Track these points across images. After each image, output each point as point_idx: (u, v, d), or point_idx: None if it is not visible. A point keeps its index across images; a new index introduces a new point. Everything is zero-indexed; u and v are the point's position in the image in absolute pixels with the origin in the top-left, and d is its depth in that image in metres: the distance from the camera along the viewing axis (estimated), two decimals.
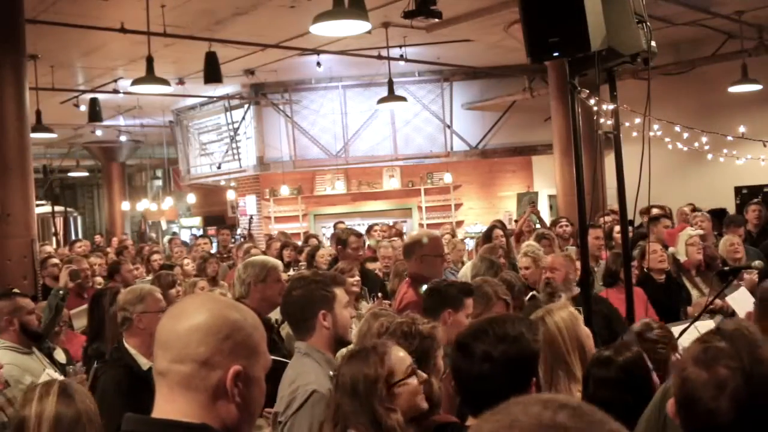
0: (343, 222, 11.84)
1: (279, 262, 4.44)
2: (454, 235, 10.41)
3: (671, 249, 6.26)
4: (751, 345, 1.57)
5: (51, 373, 3.81)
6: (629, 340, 2.95)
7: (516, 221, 12.51)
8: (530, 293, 5.29)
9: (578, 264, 4.80)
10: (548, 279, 5.04)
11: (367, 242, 9.37)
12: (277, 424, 2.80)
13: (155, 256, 9.30)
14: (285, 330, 4.80)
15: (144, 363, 3.53)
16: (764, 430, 1.52)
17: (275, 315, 4.24)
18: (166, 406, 1.50)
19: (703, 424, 1.54)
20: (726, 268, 5.31)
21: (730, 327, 1.65)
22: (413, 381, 2.42)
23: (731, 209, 10.72)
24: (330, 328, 2.94)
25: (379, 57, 10.89)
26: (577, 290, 4.90)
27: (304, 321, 2.96)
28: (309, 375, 2.80)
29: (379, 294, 5.73)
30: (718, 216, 9.24)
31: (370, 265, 6.65)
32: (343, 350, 3.40)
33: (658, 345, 3.12)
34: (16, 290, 5.10)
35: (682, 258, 6.25)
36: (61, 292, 5.14)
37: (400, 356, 2.45)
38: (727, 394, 1.50)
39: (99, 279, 7.84)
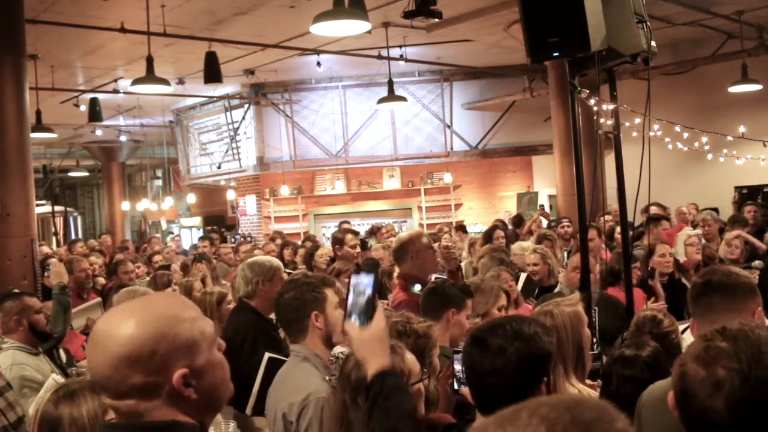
0: (348, 222, 11.81)
1: (280, 263, 4.44)
2: (451, 234, 10.43)
3: (670, 249, 6.27)
4: (753, 347, 1.57)
5: (56, 378, 3.80)
6: (645, 339, 2.97)
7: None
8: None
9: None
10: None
11: (370, 243, 9.39)
12: (289, 424, 2.77)
13: (157, 257, 9.31)
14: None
15: None
16: None
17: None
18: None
19: (698, 420, 1.56)
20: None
21: (735, 326, 1.64)
22: (421, 385, 2.42)
23: (731, 209, 10.72)
24: (322, 329, 2.95)
25: (379, 57, 10.89)
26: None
27: (297, 322, 2.97)
28: (316, 382, 2.78)
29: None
30: None
31: None
32: (338, 348, 3.41)
33: (671, 335, 3.21)
34: (16, 291, 5.08)
35: (681, 258, 6.26)
36: (64, 288, 5.11)
37: (413, 359, 2.44)
38: (722, 394, 1.51)
39: (101, 279, 7.85)
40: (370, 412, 1.83)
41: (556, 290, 5.44)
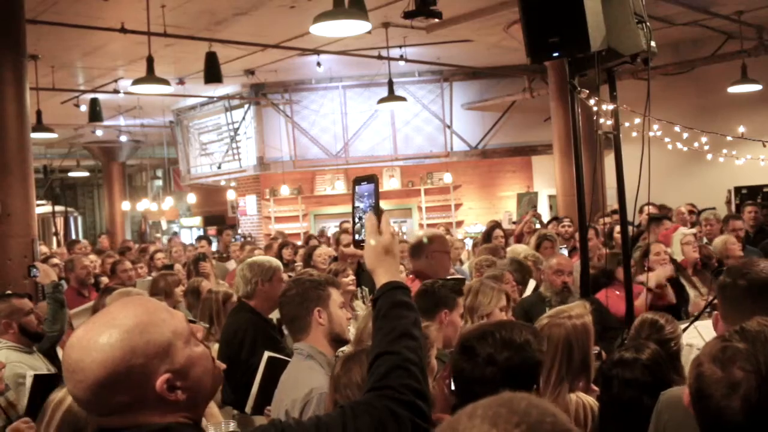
0: (348, 222, 11.79)
1: (280, 263, 4.46)
2: (450, 234, 10.42)
3: (666, 249, 6.27)
4: None
5: None
6: (644, 341, 2.94)
7: (515, 222, 12.53)
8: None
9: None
10: (565, 282, 5.03)
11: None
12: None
13: (159, 255, 9.33)
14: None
15: None
16: None
17: (275, 315, 4.24)
18: None
19: (713, 420, 1.55)
20: (725, 268, 5.30)
21: (753, 327, 1.63)
22: None
23: (725, 209, 10.72)
24: (325, 325, 2.99)
25: (379, 57, 10.89)
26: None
27: (299, 319, 3.02)
28: (320, 378, 2.79)
29: None
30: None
31: None
32: (343, 349, 3.40)
33: (671, 342, 3.18)
34: (9, 292, 5.07)
35: (678, 257, 6.26)
36: (58, 286, 5.10)
37: None
38: (739, 395, 1.51)
39: (105, 279, 7.86)
40: (375, 322, 1.77)
41: (539, 289, 5.39)
